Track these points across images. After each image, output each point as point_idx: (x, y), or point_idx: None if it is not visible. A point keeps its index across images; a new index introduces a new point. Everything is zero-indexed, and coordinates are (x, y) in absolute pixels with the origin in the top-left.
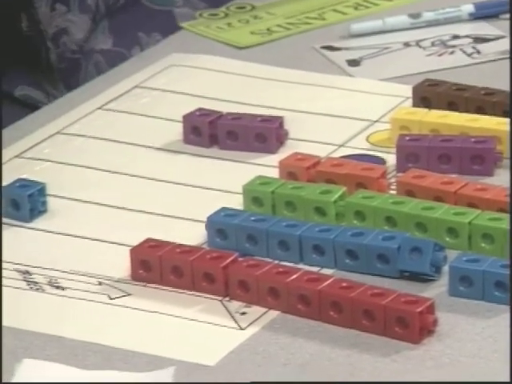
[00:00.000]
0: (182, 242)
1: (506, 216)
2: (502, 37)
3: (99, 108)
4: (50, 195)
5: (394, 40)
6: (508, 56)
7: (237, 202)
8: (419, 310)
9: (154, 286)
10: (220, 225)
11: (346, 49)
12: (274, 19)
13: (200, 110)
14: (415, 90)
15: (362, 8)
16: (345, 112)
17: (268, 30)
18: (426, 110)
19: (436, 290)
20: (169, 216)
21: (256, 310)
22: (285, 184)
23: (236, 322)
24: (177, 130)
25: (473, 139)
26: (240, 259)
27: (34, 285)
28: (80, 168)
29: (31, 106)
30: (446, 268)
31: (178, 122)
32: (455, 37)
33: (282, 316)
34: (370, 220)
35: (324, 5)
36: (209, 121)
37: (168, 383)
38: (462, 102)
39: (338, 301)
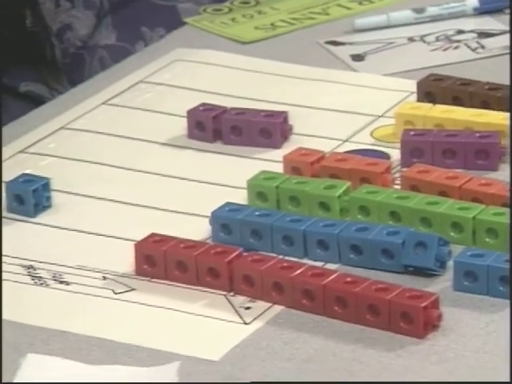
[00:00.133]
0: (186, 237)
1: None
2: (507, 32)
3: (103, 103)
4: (54, 190)
5: (398, 35)
6: None
7: (241, 197)
8: (424, 304)
9: (158, 280)
10: (224, 220)
11: (350, 44)
12: (278, 14)
13: (204, 104)
14: (420, 84)
15: (366, 3)
16: (349, 107)
17: (272, 25)
18: (430, 104)
19: (440, 285)
20: (173, 211)
21: (260, 305)
22: (289, 179)
23: (240, 316)
24: (181, 125)
25: (477, 134)
26: (244, 254)
27: (38, 280)
28: (84, 163)
29: (36, 101)
30: (450, 263)
31: (182, 116)
32: (460, 32)
33: (286, 311)
34: (375, 215)
35: (328, 0)
36: (213, 116)
37: (171, 383)
38: (467, 97)
39: (342, 296)
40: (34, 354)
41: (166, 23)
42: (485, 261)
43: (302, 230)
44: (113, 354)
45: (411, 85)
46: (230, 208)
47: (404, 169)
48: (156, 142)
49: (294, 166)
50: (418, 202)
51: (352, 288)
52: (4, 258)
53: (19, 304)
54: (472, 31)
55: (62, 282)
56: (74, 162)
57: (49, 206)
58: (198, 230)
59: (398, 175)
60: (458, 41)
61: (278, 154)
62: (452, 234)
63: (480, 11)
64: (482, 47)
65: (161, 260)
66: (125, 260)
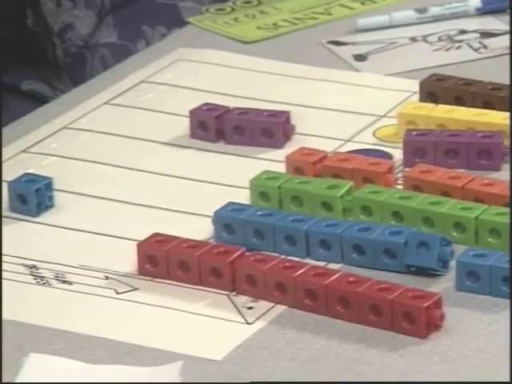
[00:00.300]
0: (188, 237)
1: None
2: (509, 32)
3: (106, 103)
4: (56, 190)
5: (400, 35)
6: None
7: (243, 197)
8: (426, 304)
9: (160, 280)
10: (227, 219)
11: (353, 44)
12: (281, 14)
13: (206, 104)
14: (422, 84)
15: (368, 3)
16: (351, 107)
17: (274, 24)
18: (432, 104)
19: (443, 285)
20: (175, 211)
21: (263, 305)
22: (291, 179)
23: (243, 316)
24: (183, 125)
25: (480, 134)
26: (247, 254)
27: (41, 279)
28: (87, 163)
29: (38, 100)
30: (452, 263)
31: (185, 116)
32: (462, 32)
33: (288, 311)
34: (377, 215)
35: (330, 0)
36: (215, 115)
37: (173, 383)
38: (469, 97)
39: (345, 295)
40: (37, 354)
41: (167, 22)
42: (487, 261)
43: (304, 230)
44: (115, 353)
45: (413, 85)
46: (233, 208)
47: (406, 169)
48: (158, 141)
49: (297, 165)
50: (420, 201)
51: (354, 288)
52: (6, 258)
53: (22, 303)
54: (474, 31)
55: (64, 282)
56: (76, 161)
57: (51, 206)
58: (201, 229)
59: (400, 175)
60: (461, 41)
61: (281, 153)
62: (454, 233)
63: (482, 11)
64: (485, 47)
65: (163, 260)
66: (127, 260)
